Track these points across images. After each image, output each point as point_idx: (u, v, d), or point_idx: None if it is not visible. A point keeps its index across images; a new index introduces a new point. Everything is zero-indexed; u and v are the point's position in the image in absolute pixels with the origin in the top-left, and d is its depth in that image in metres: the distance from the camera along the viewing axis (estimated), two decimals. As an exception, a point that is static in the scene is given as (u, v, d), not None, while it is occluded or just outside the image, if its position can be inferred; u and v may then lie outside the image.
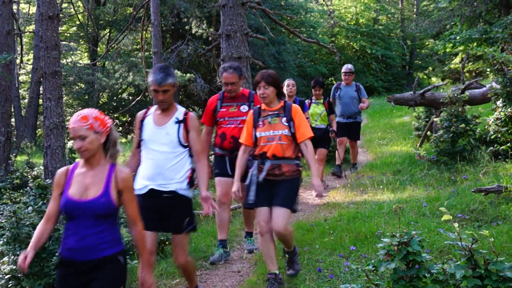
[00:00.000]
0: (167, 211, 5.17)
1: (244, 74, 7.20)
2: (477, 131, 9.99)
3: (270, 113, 5.88)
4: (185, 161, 5.27)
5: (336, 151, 12.43)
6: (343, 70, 12.35)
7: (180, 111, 5.34)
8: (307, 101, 10.66)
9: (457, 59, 33.41)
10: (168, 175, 5.15)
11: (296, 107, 5.93)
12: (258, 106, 6.08)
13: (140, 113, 5.52)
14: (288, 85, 9.84)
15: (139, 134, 5.36)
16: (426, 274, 3.75)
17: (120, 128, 34.86)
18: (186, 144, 5.25)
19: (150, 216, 5.02)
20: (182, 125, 5.25)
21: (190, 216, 5.26)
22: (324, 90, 11.30)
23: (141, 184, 5.20)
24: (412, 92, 13.04)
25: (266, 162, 5.73)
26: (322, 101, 11.02)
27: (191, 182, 5.28)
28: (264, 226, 5.69)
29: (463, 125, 9.72)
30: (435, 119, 11.26)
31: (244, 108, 6.92)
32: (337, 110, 12.19)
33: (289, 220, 5.73)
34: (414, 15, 45.75)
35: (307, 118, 9.89)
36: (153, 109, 5.47)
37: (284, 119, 5.81)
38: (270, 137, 5.76)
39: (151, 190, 5.16)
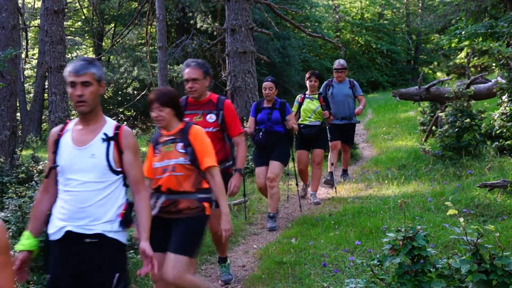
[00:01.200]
0: (89, 266, 3.78)
1: (211, 73, 5.90)
2: (483, 126, 9.96)
3: (166, 138, 4.83)
4: (117, 194, 3.92)
5: (329, 157, 10.96)
6: (334, 66, 11.15)
7: (109, 125, 3.96)
8: (299, 96, 9.98)
9: (462, 54, 33.29)
10: (93, 213, 3.78)
11: (196, 129, 4.86)
12: (159, 131, 5.00)
13: (54, 131, 4.09)
14: (264, 88, 8.31)
15: (53, 159, 3.95)
16: (431, 269, 3.74)
17: (125, 123, 34.90)
18: (119, 170, 3.91)
19: (64, 273, 3.80)
20: (112, 143, 3.89)
21: (121, 271, 3.89)
22: (320, 83, 10.46)
23: (56, 226, 3.83)
24: (417, 87, 13.02)
25: (161, 197, 4.77)
26: (317, 95, 9.80)
27: (126, 221, 3.91)
28: (155, 274, 4.22)
29: (468, 120, 9.70)
30: (440, 114, 11.23)
31: (211, 117, 5.74)
32: (332, 110, 10.45)
33: (185, 268, 4.59)
34: (420, 10, 45.64)
35: (297, 115, 9.70)
36: (72, 123, 4.04)
37: (180, 145, 4.75)
38: (164, 168, 4.74)
39: (69, 233, 3.76)
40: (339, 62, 11.14)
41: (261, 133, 8.20)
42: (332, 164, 10.82)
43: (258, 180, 8.47)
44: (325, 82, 11.27)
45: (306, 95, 9.88)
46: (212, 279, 6.37)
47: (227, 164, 5.91)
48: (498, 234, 3.91)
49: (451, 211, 3.68)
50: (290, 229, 7.96)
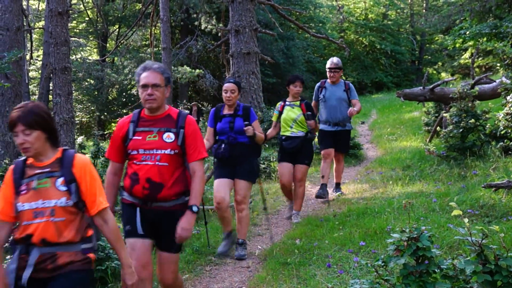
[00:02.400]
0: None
1: (171, 83, 5.17)
2: (487, 126, 9.93)
3: (38, 171, 3.64)
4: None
5: (321, 167, 9.86)
6: (327, 65, 9.88)
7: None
8: (279, 104, 8.82)
9: (466, 54, 33.24)
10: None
11: (82, 159, 3.76)
12: (23, 158, 3.78)
13: None
14: (225, 90, 7.04)
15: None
16: (436, 270, 3.74)
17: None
18: None
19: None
20: None
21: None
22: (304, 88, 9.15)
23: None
24: (421, 88, 13.02)
25: (32, 252, 3.56)
26: (298, 102, 8.59)
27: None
28: None
29: (473, 120, 9.68)
30: (444, 114, 11.22)
31: (169, 136, 4.55)
32: (321, 115, 9.85)
33: None
34: (424, 10, 45.58)
35: (277, 125, 8.77)
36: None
37: (60, 180, 3.61)
38: (37, 212, 3.55)
39: None
40: (333, 61, 9.89)
41: (223, 146, 6.88)
42: (323, 176, 9.62)
43: (217, 195, 6.89)
44: (318, 84, 10.06)
45: (287, 102, 8.73)
46: (217, 280, 6.37)
47: (186, 199, 4.62)
48: (503, 234, 3.91)
49: (455, 212, 3.67)
50: (295, 230, 7.96)
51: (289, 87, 8.65)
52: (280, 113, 8.71)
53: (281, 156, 8.76)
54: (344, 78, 44.35)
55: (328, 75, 9.87)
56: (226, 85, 7.04)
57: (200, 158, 4.62)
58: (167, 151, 4.50)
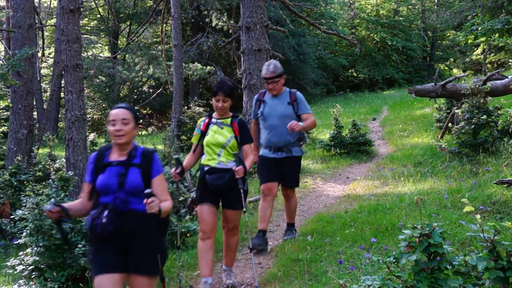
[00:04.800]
0: None
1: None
2: (499, 122, 9.90)
3: None
4: None
5: (259, 207, 7.39)
6: (262, 73, 7.26)
7: None
8: (202, 121, 6.13)
9: (478, 50, 33.16)
10: None
11: None
12: None
13: None
14: (113, 121, 4.33)
15: None
16: (448, 266, 3.73)
17: (141, 120, 35.06)
18: None
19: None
20: None
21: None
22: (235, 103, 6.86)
23: None
24: (433, 84, 12.97)
25: None
26: (229, 120, 6.01)
27: None
28: None
29: (485, 116, 9.65)
30: (456, 111, 11.18)
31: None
32: (260, 137, 7.41)
33: None
34: (435, 6, 45.39)
35: (197, 150, 6.11)
36: None
37: None
38: None
39: None
40: (269, 68, 7.15)
41: (104, 215, 4.13)
42: (263, 216, 7.21)
43: None
44: (256, 96, 7.51)
45: (213, 119, 6.06)
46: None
47: None
48: (515, 231, 3.90)
49: (467, 208, 3.66)
50: (306, 227, 7.96)
51: (213, 101, 5.98)
52: (203, 133, 6.02)
53: (201, 195, 5.95)
54: (354, 74, 44.32)
55: (266, 86, 7.28)
56: (115, 113, 4.37)
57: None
58: None
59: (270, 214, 7.30)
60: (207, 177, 5.84)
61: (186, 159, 6.09)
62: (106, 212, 4.12)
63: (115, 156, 4.38)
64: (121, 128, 4.27)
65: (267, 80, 7.12)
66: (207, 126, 6.02)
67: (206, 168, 5.88)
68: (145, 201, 4.01)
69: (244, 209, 5.95)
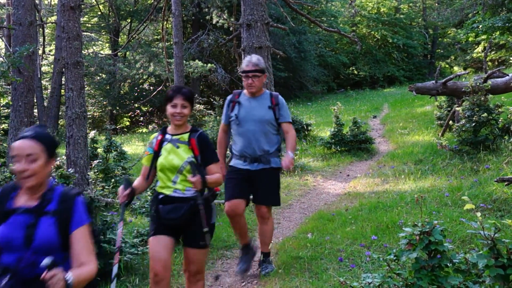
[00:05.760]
0: None
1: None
2: (500, 120, 9.90)
3: None
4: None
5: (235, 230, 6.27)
6: (243, 66, 6.14)
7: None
8: (154, 137, 4.81)
9: (479, 48, 33.12)
10: None
11: None
12: None
13: None
14: (17, 157, 3.01)
15: None
16: (448, 264, 3.74)
17: (142, 118, 35.08)
18: None
19: None
20: None
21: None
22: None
23: None
24: (434, 81, 12.96)
25: None
26: (187, 136, 4.70)
27: None
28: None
29: (485, 114, 9.65)
30: (457, 109, 11.18)
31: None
32: (234, 145, 6.20)
33: None
34: (436, 4, 45.40)
35: (150, 173, 4.77)
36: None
37: None
38: None
39: None
40: (251, 60, 6.06)
41: (2, 284, 3.07)
42: (240, 234, 6.21)
43: None
44: (229, 97, 6.27)
45: (167, 136, 4.77)
46: (229, 274, 6.38)
47: None
48: (516, 229, 3.90)
49: (468, 206, 3.66)
50: (307, 224, 7.96)
51: (167, 107, 4.68)
52: (156, 153, 4.72)
53: (155, 227, 4.71)
54: (355, 72, 44.22)
55: (244, 83, 6.09)
56: (17, 146, 3.12)
57: None
58: None
59: (246, 228, 6.17)
60: (160, 208, 4.60)
61: (136, 183, 4.78)
62: (5, 280, 2.98)
63: (23, 200, 3.16)
64: (26, 167, 3.07)
65: (247, 73, 5.96)
66: (160, 144, 4.72)
67: (160, 197, 4.65)
68: (42, 275, 2.67)
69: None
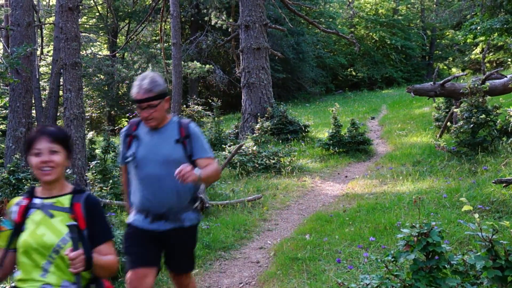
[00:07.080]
0: None
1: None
2: (498, 121, 9.91)
3: None
4: None
5: None
6: (133, 93, 4.24)
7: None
8: (16, 202, 3.17)
9: (477, 49, 33.16)
10: None
11: None
12: None
13: None
14: None
15: None
16: (446, 265, 3.74)
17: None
18: None
19: None
20: None
21: None
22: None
23: None
24: (432, 83, 13.00)
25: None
26: (67, 199, 3.13)
27: None
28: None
29: (483, 115, 9.66)
30: (455, 110, 11.19)
31: None
32: (132, 194, 4.34)
33: None
34: (434, 5, 45.39)
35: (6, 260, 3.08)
36: None
37: None
38: None
39: None
40: (141, 85, 4.24)
41: None
42: None
43: None
44: (125, 129, 4.45)
45: (35, 200, 3.17)
46: (227, 275, 6.38)
47: None
48: (514, 230, 3.90)
49: (466, 207, 3.67)
50: (305, 225, 7.96)
51: (30, 157, 3.11)
52: (17, 227, 3.08)
53: None
54: (353, 73, 44.32)
55: (139, 115, 4.33)
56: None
57: None
58: None
59: None
60: None
61: None
62: None
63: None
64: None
65: (139, 103, 4.20)
66: (24, 213, 3.11)
67: None
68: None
69: None
